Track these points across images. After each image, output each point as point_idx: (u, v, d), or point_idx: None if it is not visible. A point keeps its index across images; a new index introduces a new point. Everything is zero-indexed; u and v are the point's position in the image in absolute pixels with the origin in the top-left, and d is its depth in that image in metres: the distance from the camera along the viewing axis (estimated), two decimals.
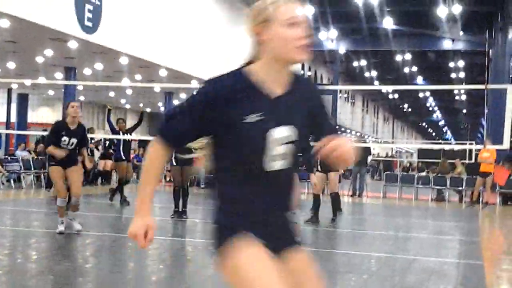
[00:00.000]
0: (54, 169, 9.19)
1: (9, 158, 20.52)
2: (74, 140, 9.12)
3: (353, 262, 7.89)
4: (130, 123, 49.39)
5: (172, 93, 32.73)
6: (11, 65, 25.47)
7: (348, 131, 56.58)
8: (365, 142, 36.75)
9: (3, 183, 18.36)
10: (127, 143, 14.77)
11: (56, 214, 9.55)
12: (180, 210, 11.92)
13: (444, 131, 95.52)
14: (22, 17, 17.07)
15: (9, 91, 36.87)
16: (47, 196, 16.38)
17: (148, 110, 48.35)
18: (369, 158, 22.84)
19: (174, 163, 11.99)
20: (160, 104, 37.40)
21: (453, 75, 48.13)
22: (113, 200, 14.89)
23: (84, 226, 10.79)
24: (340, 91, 49.38)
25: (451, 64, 45.50)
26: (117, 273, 6.74)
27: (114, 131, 14.50)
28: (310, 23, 2.77)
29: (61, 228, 9.19)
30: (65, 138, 9.02)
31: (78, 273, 6.49)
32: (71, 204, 9.41)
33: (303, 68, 44.93)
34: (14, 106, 36.93)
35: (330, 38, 39.35)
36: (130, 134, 14.98)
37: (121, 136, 14.49)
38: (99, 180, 21.85)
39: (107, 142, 21.08)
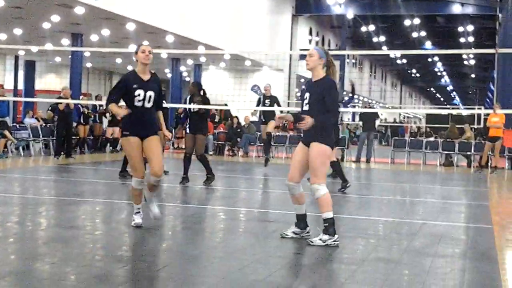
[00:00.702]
0: (128, 141, 7.04)
1: (17, 126, 20.55)
2: (151, 94, 7.04)
3: (361, 227, 7.89)
4: None
5: (179, 59, 32.62)
6: (17, 31, 25.38)
7: (356, 96, 56.35)
8: (372, 107, 36.58)
9: (12, 151, 18.40)
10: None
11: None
12: (206, 176, 12.00)
13: (452, 96, 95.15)
14: None
15: (16, 58, 36.81)
16: (55, 163, 16.41)
17: None
18: (377, 122, 22.76)
19: (188, 131, 11.96)
20: (167, 70, 37.29)
21: (461, 40, 47.73)
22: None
23: (94, 193, 10.84)
24: (348, 56, 49.06)
25: (460, 29, 45.07)
26: (127, 239, 6.76)
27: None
28: None
29: (137, 220, 7.15)
30: (139, 92, 6.98)
31: (88, 240, 6.51)
32: (149, 183, 7.25)
33: (310, 34, 44.62)
34: (21, 74, 36.89)
35: (338, 3, 38.98)
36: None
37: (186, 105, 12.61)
38: (108, 148, 21.84)
39: None
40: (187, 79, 40.90)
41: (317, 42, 45.54)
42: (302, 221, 6.79)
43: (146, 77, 7.09)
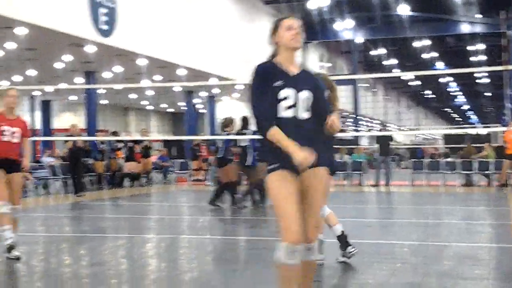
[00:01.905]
0: (277, 178, 4.14)
1: (36, 165, 20.72)
2: (308, 96, 4.15)
3: (384, 251, 7.85)
4: (153, 124, 49.66)
5: (192, 92, 32.82)
6: (32, 72, 25.72)
7: (371, 120, 56.29)
8: (385, 130, 36.22)
9: (31, 190, 18.53)
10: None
11: None
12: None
13: (469, 115, 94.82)
14: (38, 24, 17.25)
15: (32, 99, 37.20)
16: (76, 200, 16.48)
17: (171, 110, 48.57)
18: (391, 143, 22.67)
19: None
20: (181, 103, 37.52)
21: (473, 58, 47.73)
22: (215, 203, 13.66)
23: (115, 228, 10.87)
24: (361, 80, 49.15)
25: (471, 48, 45.08)
26: (150, 273, 6.77)
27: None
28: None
29: None
30: (287, 93, 4.10)
31: (112, 275, 6.53)
32: (307, 259, 4.23)
33: (321, 60, 44.80)
34: (38, 114, 37.25)
35: (346, 28, 39.15)
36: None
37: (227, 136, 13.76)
38: (127, 183, 21.93)
39: (130, 144, 21.27)
40: (202, 111, 41.11)
41: (328, 68, 45.70)
42: (341, 242, 6.87)
43: (294, 69, 4.21)
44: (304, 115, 4.14)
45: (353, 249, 6.78)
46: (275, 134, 4.03)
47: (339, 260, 6.76)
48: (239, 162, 13.45)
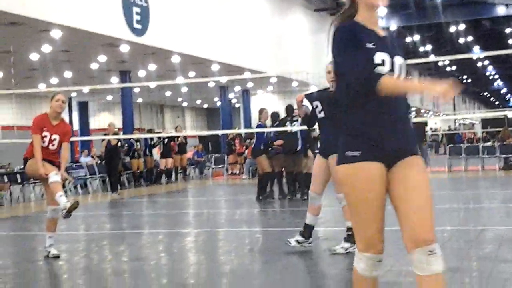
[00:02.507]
0: (357, 173, 3.24)
1: (74, 165, 21.02)
2: (401, 63, 3.37)
3: None
4: (189, 119, 49.84)
5: (227, 87, 32.89)
6: (68, 74, 26.04)
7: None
8: (420, 116, 35.62)
9: (70, 190, 18.81)
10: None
11: None
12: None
13: (507, 98, 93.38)
14: (72, 26, 17.45)
15: (69, 100, 37.68)
16: (114, 198, 16.69)
17: (205, 106, 48.77)
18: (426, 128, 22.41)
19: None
20: (216, 99, 37.67)
21: (510, 41, 46.90)
22: (261, 197, 13.47)
23: (151, 224, 10.99)
24: None
25: (508, 30, 44.31)
26: (189, 266, 6.84)
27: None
28: None
29: None
30: (382, 57, 3.22)
31: (152, 270, 6.61)
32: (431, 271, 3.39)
33: None
34: (75, 114, 37.73)
35: (380, 16, 38.84)
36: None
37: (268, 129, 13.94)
38: (164, 179, 22.12)
39: (165, 141, 21.44)
40: (237, 105, 41.21)
41: None
42: (308, 231, 7.04)
43: (380, 31, 3.40)
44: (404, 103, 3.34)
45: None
46: (390, 81, 3.13)
47: (337, 251, 6.72)
48: (286, 150, 13.13)
